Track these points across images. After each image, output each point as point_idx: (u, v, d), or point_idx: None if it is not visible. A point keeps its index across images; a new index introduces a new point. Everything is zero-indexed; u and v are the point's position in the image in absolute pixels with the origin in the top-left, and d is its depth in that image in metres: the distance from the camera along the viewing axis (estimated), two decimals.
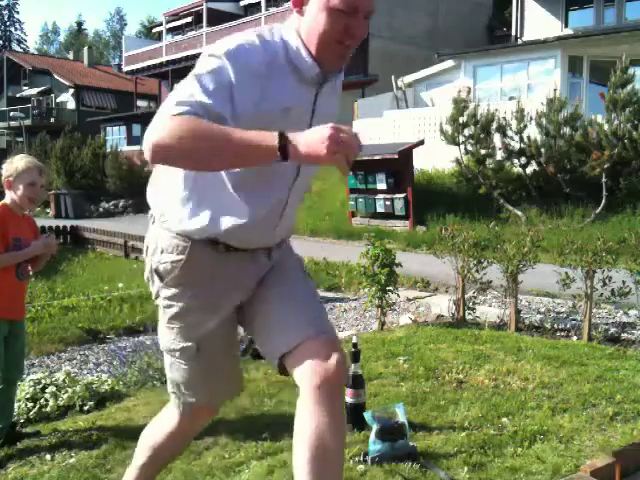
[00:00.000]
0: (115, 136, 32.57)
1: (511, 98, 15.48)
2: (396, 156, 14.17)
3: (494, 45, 21.41)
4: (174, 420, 2.25)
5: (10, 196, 3.47)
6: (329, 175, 19.17)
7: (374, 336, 5.75)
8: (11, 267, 3.40)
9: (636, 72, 12.25)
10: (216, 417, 3.69)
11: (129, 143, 30.77)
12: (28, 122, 36.60)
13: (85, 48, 48.57)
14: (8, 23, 75.42)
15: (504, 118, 13.74)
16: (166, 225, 1.99)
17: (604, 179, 12.13)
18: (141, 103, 39.43)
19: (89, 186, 24.71)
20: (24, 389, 4.15)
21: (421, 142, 14.83)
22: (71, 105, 40.38)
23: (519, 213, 13.06)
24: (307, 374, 1.83)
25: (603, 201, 12.18)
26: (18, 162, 3.47)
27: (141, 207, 23.94)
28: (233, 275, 2.02)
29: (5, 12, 75.04)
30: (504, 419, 3.55)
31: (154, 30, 39.87)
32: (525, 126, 13.35)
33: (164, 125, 1.58)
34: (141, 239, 12.00)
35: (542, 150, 12.93)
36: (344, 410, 1.94)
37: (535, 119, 13.24)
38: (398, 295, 6.38)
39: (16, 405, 4.01)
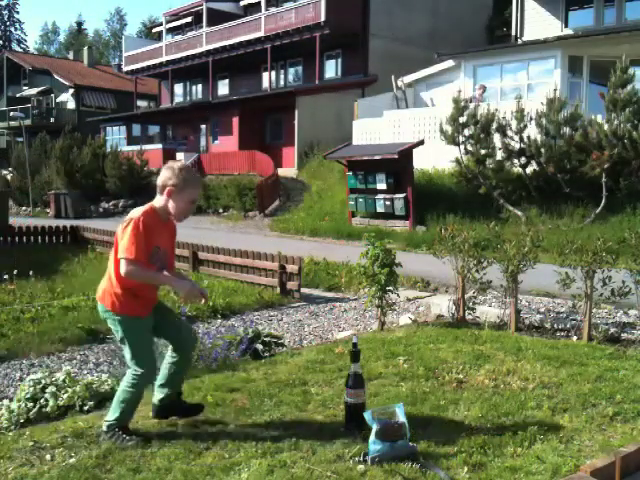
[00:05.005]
0: (115, 136, 32.52)
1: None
2: (396, 156, 14.17)
3: (494, 45, 21.40)
4: None
5: (163, 202, 3.34)
6: (329, 175, 19.19)
7: (374, 336, 5.75)
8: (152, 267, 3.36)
9: (636, 72, 12.25)
10: (216, 417, 3.71)
11: (129, 143, 30.75)
12: (28, 122, 36.52)
13: (85, 48, 48.59)
14: (8, 23, 75.44)
15: (504, 118, 13.75)
16: None
17: (604, 179, 12.13)
18: (141, 103, 39.45)
19: (89, 186, 24.68)
20: (24, 389, 4.15)
21: (421, 142, 14.83)
22: (71, 105, 40.40)
23: (519, 213, 13.05)
24: None
25: (603, 201, 12.17)
26: (187, 174, 3.33)
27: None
28: None
29: (5, 12, 75.05)
30: (504, 419, 3.55)
31: (154, 30, 39.80)
32: (525, 126, 13.35)
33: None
34: None
35: (542, 150, 12.92)
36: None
37: (535, 119, 13.24)
38: (398, 295, 6.38)
39: (16, 405, 4.02)
